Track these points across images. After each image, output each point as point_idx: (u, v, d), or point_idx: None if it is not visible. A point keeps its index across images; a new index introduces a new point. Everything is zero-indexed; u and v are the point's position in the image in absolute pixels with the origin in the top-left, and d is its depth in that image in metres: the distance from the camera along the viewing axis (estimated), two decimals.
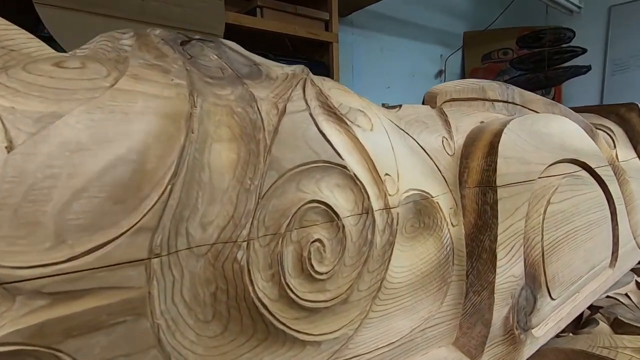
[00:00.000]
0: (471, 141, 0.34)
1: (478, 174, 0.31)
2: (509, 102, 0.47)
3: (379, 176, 0.24)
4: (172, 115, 0.16)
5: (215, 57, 0.20)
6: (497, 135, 0.32)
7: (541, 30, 1.85)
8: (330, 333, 0.20)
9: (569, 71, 1.87)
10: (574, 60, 1.81)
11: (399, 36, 1.83)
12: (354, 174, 0.22)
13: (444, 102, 0.39)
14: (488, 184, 0.30)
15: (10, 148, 0.13)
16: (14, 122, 0.13)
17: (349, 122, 0.23)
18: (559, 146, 0.39)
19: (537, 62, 1.86)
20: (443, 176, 0.31)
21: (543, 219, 0.33)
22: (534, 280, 0.32)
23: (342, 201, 0.21)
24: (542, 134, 0.37)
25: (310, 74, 0.24)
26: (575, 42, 1.78)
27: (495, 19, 1.92)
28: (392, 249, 0.24)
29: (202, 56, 0.19)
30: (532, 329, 0.32)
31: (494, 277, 0.28)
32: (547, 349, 0.41)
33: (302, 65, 0.24)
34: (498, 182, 0.29)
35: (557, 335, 0.44)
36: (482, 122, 0.38)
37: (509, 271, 0.29)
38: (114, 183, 0.14)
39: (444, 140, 0.33)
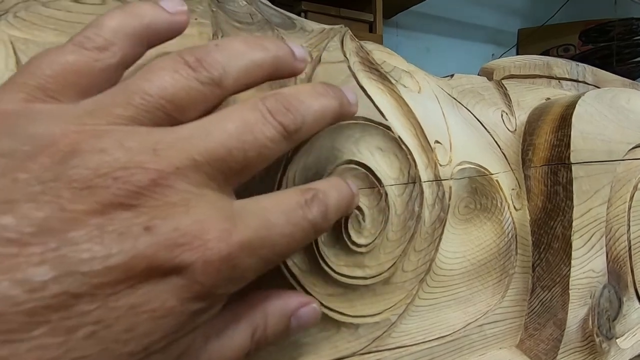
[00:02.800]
0: (536, 117, 0.29)
1: (547, 150, 0.26)
2: (580, 81, 0.41)
3: (428, 143, 0.21)
4: None
5: (245, 3, 0.18)
6: (570, 107, 0.27)
7: (608, 23, 1.69)
8: (369, 316, 0.18)
9: None
10: None
11: (447, 36, 1.75)
12: (399, 136, 0.19)
13: (502, 79, 0.35)
14: (560, 161, 0.25)
15: None
16: (27, 52, 0.13)
17: (393, 81, 0.21)
18: None
19: (604, 57, 1.70)
20: (503, 153, 0.27)
21: (629, 207, 0.28)
22: (619, 280, 0.27)
23: (384, 167, 0.19)
24: (626, 109, 0.31)
25: (350, 31, 0.21)
26: None
27: (554, 13, 1.78)
28: (443, 227, 0.21)
29: (230, 2, 0.18)
30: (617, 338, 0.26)
31: (569, 270, 0.24)
32: None
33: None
34: (572, 159, 0.25)
35: None
36: (548, 98, 0.34)
37: (587, 264, 0.24)
38: None
39: (504, 114, 0.29)
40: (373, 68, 0.20)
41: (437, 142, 0.21)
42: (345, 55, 0.19)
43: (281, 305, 0.13)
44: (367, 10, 1.30)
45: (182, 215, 0.10)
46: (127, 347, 0.09)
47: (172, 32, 0.12)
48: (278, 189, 0.15)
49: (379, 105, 0.19)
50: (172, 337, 0.10)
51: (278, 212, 0.11)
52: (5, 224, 0.08)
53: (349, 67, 0.19)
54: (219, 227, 0.10)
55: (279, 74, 0.13)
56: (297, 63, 0.14)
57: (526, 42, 1.93)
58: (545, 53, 1.92)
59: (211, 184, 0.11)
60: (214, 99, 0.12)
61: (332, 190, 0.14)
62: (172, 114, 0.11)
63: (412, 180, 0.20)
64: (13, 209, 0.08)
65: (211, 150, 0.10)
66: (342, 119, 0.15)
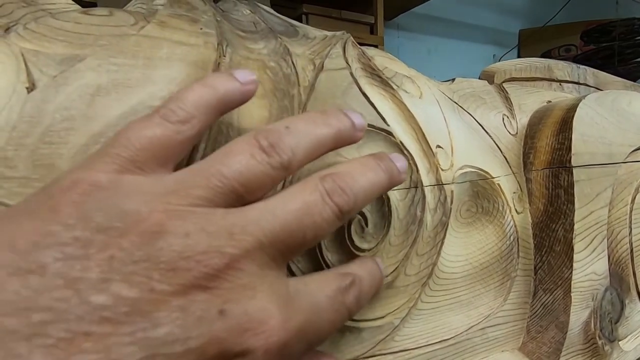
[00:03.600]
0: (537, 120, 0.29)
1: (548, 153, 0.27)
2: (581, 84, 0.41)
3: (430, 148, 0.21)
4: (199, 63, 0.15)
5: (249, 12, 0.18)
6: (571, 110, 0.27)
7: (610, 23, 1.68)
8: (373, 320, 0.18)
9: None
10: None
11: (448, 37, 1.75)
12: (401, 142, 0.19)
13: (503, 82, 0.35)
14: (561, 164, 0.25)
15: (30, 89, 0.12)
16: (37, 64, 0.13)
17: (394, 87, 0.21)
18: None
19: (606, 57, 1.70)
20: (505, 156, 0.27)
21: (631, 210, 0.28)
22: (621, 282, 0.27)
23: None
24: (627, 112, 0.31)
25: (352, 37, 0.22)
26: None
27: (555, 13, 1.77)
28: (445, 231, 0.21)
29: (234, 11, 0.18)
30: (620, 340, 0.26)
31: (571, 273, 0.24)
32: None
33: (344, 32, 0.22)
34: (574, 162, 0.25)
35: None
36: (550, 101, 0.34)
37: (589, 267, 0.24)
38: None
39: (505, 118, 0.29)
40: (375, 74, 0.20)
41: (438, 146, 0.22)
42: (347, 62, 0.19)
43: None
44: (368, 12, 1.31)
45: (250, 300, 0.11)
46: None
47: (243, 100, 0.14)
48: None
49: (381, 111, 0.19)
50: None
51: (323, 296, 0.12)
52: (102, 303, 0.09)
53: (351, 74, 0.19)
54: (279, 314, 0.11)
55: (339, 146, 0.14)
56: (357, 133, 0.15)
57: (527, 43, 1.93)
58: (547, 53, 1.91)
59: (271, 264, 0.12)
60: (280, 180, 0.13)
61: (366, 276, 0.15)
62: (244, 195, 0.12)
63: (414, 185, 0.20)
64: (110, 289, 0.09)
65: (276, 232, 0.11)
66: (389, 189, 0.16)
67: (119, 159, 0.11)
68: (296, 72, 0.17)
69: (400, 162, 0.16)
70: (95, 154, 0.11)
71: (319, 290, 0.13)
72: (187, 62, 0.14)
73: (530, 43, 1.91)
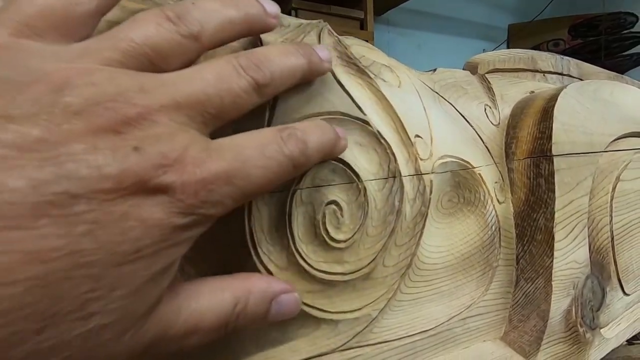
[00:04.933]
0: (519, 110, 0.29)
1: (529, 143, 0.27)
2: (565, 75, 0.41)
3: (408, 137, 0.21)
4: None
5: None
6: (552, 99, 0.27)
7: (597, 17, 1.70)
8: (349, 312, 0.17)
9: (630, 59, 1.71)
10: (636, 47, 1.64)
11: (438, 32, 1.76)
12: (378, 131, 0.19)
13: (486, 73, 0.35)
14: (542, 153, 0.25)
15: None
16: None
17: (372, 75, 0.20)
18: (628, 118, 0.33)
19: (593, 52, 1.71)
20: (486, 147, 0.27)
21: (612, 198, 0.28)
22: (602, 270, 0.27)
23: (363, 162, 0.19)
24: (608, 102, 0.32)
25: (328, 25, 0.21)
26: (638, 28, 1.61)
27: (544, 8, 1.79)
28: (425, 221, 0.21)
29: None
30: (601, 328, 0.27)
31: (552, 261, 0.24)
32: (617, 358, 0.35)
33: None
34: (554, 151, 0.25)
35: (629, 342, 0.38)
36: (533, 91, 0.34)
37: (570, 255, 0.24)
38: None
39: (487, 108, 0.29)
40: (351, 62, 0.20)
41: (417, 136, 0.21)
42: None
43: (264, 287, 0.14)
44: (358, 8, 1.30)
45: (166, 142, 0.11)
46: (121, 247, 0.10)
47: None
48: None
49: (356, 100, 0.19)
50: (159, 245, 0.11)
51: (252, 146, 0.13)
52: (6, 129, 0.09)
53: None
54: (196, 155, 0.11)
55: (252, 31, 0.15)
56: (270, 19, 0.15)
57: (517, 38, 1.94)
58: (536, 48, 1.92)
59: (192, 124, 0.12)
60: (192, 52, 0.13)
61: (313, 129, 0.15)
62: (156, 62, 0.12)
63: (392, 175, 0.19)
64: (14, 121, 0.09)
65: (192, 94, 0.12)
66: (313, 76, 0.16)
67: (12, 23, 0.11)
68: None
69: (322, 52, 0.16)
70: None
71: (249, 141, 0.13)
72: None
73: (520, 38, 1.92)
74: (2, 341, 0.09)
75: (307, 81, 0.16)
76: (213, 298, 0.13)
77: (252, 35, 0.15)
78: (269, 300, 0.14)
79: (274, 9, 0.15)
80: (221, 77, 0.12)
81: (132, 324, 0.11)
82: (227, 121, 0.13)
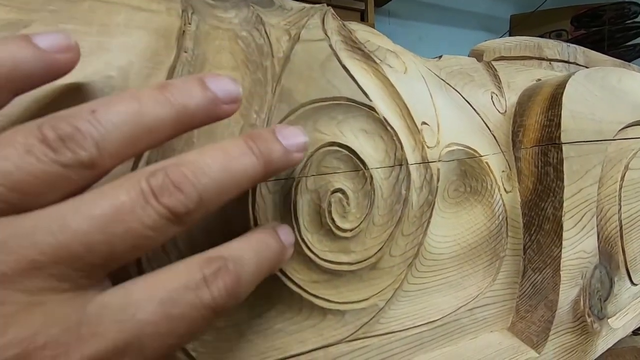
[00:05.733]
0: (527, 98, 0.29)
1: (537, 131, 0.26)
2: (571, 63, 0.40)
3: (415, 125, 0.20)
4: (160, 31, 0.14)
5: None
6: (561, 86, 0.27)
7: (600, 7, 1.68)
8: (356, 302, 0.17)
9: (634, 50, 1.69)
10: None
11: (439, 23, 1.74)
12: (384, 118, 0.19)
13: (492, 60, 0.34)
14: (550, 141, 0.25)
15: None
16: None
17: (377, 61, 0.20)
18: (637, 105, 0.32)
19: (596, 42, 1.69)
20: (493, 135, 0.26)
21: (620, 187, 0.28)
22: (610, 260, 0.27)
23: (369, 149, 0.18)
24: (616, 89, 0.31)
25: (332, 9, 0.21)
26: None
27: None
28: (432, 210, 0.20)
29: None
30: (609, 318, 0.26)
31: (560, 251, 0.23)
32: (624, 349, 0.35)
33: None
34: (563, 139, 0.24)
35: (635, 333, 0.37)
36: (539, 79, 0.33)
37: (578, 245, 0.24)
38: (87, 101, 0.12)
39: (494, 96, 0.28)
40: (356, 47, 0.19)
41: (424, 123, 0.21)
42: (326, 34, 0.18)
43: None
44: None
45: (17, 325, 0.08)
46: None
47: (50, 74, 0.10)
48: None
49: (362, 86, 0.18)
50: None
51: (153, 305, 0.09)
52: None
53: (330, 46, 0.18)
54: (52, 349, 0.08)
55: (190, 128, 0.11)
56: (222, 106, 0.11)
57: (519, 28, 1.92)
58: None
59: (61, 285, 0.09)
60: (86, 181, 0.09)
61: (249, 253, 0.11)
62: (18, 203, 0.09)
63: (399, 163, 0.19)
64: None
65: (61, 247, 0.09)
66: (268, 178, 0.12)
67: None
68: (269, 43, 0.16)
69: (290, 135, 0.12)
70: None
71: (149, 296, 0.09)
72: (147, 30, 0.13)
73: (522, 28, 1.90)
74: None
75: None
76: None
77: (183, 133, 0.11)
78: None
79: (231, 88, 0.11)
80: (115, 212, 0.09)
81: None
82: (127, 262, 0.10)
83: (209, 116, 0.11)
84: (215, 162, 0.10)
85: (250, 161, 0.11)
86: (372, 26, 1.27)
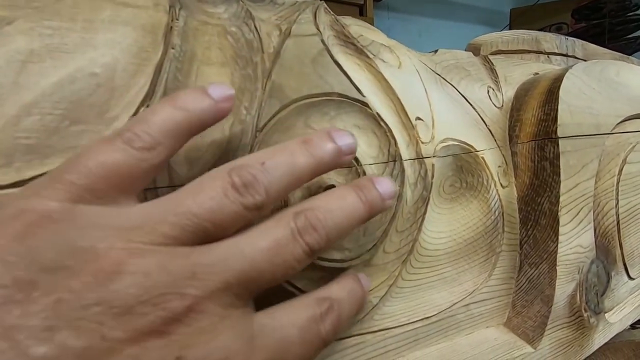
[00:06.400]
0: (524, 92, 0.28)
1: (533, 125, 0.26)
2: (569, 56, 0.40)
3: (409, 120, 0.20)
4: (147, 27, 0.13)
5: None
6: (558, 80, 0.26)
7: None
8: None
9: (635, 42, 1.68)
10: None
11: (438, 18, 1.73)
12: (378, 113, 0.18)
13: (489, 54, 0.34)
14: (546, 136, 0.25)
15: None
16: None
17: (371, 56, 0.20)
18: (635, 98, 0.32)
19: (596, 35, 1.68)
20: (489, 130, 0.26)
21: (618, 181, 0.27)
22: (607, 254, 0.26)
23: (363, 145, 0.18)
24: (615, 82, 0.31)
25: (325, 4, 0.20)
26: None
27: None
28: (426, 206, 0.20)
29: None
30: (605, 312, 0.26)
31: (556, 246, 0.23)
32: (621, 342, 0.35)
33: None
34: (559, 133, 0.24)
35: (633, 327, 0.37)
36: (537, 73, 0.33)
37: (575, 240, 0.24)
38: (72, 100, 0.12)
39: (490, 90, 0.28)
40: (349, 42, 0.19)
41: (418, 118, 0.21)
42: (318, 29, 0.18)
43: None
44: None
45: (209, 344, 0.10)
46: None
47: (217, 120, 0.13)
48: None
49: (355, 81, 0.18)
50: None
51: (293, 329, 0.12)
52: (43, 355, 0.08)
53: (322, 41, 0.18)
54: (242, 355, 0.11)
55: (321, 173, 0.14)
56: (344, 157, 0.14)
57: (519, 22, 1.90)
58: None
59: (237, 302, 0.11)
60: (252, 220, 0.12)
61: (346, 297, 0.14)
62: (213, 234, 0.11)
63: (393, 159, 0.19)
64: (54, 338, 0.08)
65: (244, 272, 0.11)
66: (370, 219, 0.15)
67: (73, 187, 0.10)
68: (259, 38, 0.16)
69: (385, 186, 0.15)
70: (46, 178, 0.10)
71: (289, 322, 0.12)
72: (133, 26, 0.13)
73: (522, 22, 1.88)
74: None
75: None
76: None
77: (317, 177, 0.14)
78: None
79: (350, 143, 0.14)
80: (276, 246, 0.12)
81: None
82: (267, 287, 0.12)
83: (337, 164, 0.14)
84: (337, 209, 0.13)
85: (360, 207, 0.14)
86: (371, 21, 1.27)
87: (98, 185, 0.10)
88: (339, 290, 0.14)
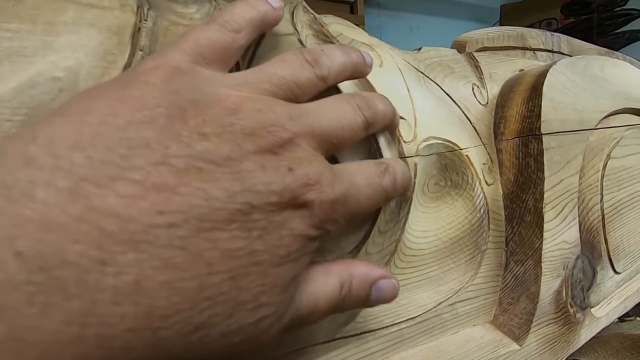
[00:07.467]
0: (508, 88, 0.28)
1: (517, 122, 0.26)
2: (555, 52, 0.40)
3: None
4: (113, 28, 0.13)
5: None
6: (541, 76, 0.26)
7: None
8: None
9: (623, 37, 1.69)
10: (629, 24, 1.63)
11: (429, 14, 1.73)
12: None
13: (475, 51, 0.34)
14: (530, 132, 0.25)
15: None
16: None
17: None
18: (619, 94, 0.32)
19: (585, 30, 1.70)
20: (474, 127, 0.26)
21: (602, 176, 0.27)
22: (593, 249, 0.26)
23: None
24: (599, 78, 0.31)
25: (304, 2, 0.20)
26: (630, 5, 1.60)
27: None
28: (409, 206, 0.20)
29: None
30: (592, 307, 0.26)
31: (541, 243, 0.23)
32: (609, 335, 0.35)
33: None
34: (543, 129, 0.24)
35: (621, 320, 0.38)
36: (522, 69, 0.33)
37: (559, 236, 0.24)
38: (32, 105, 0.11)
39: (475, 87, 0.28)
40: (328, 41, 0.19)
41: (400, 117, 0.20)
42: (295, 28, 0.18)
43: (365, 272, 0.15)
44: None
45: (308, 165, 0.13)
46: (279, 251, 0.12)
47: (275, 22, 0.16)
48: None
49: None
50: (300, 252, 0.12)
51: (362, 177, 0.15)
52: (205, 148, 0.11)
53: (300, 41, 0.17)
54: (329, 178, 0.13)
55: (355, 75, 0.17)
56: (367, 69, 0.18)
57: (509, 18, 1.91)
58: (529, 28, 1.89)
59: (320, 150, 0.14)
60: (318, 89, 0.15)
61: (399, 169, 0.17)
62: (297, 95, 0.14)
63: (374, 158, 0.19)
64: (209, 139, 0.11)
65: (323, 126, 0.14)
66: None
67: (192, 52, 0.13)
68: None
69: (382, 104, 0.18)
70: (168, 47, 0.13)
71: (359, 172, 0.15)
72: (98, 28, 0.13)
73: (512, 18, 1.89)
74: (204, 323, 0.10)
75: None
76: (322, 281, 0.14)
77: (354, 79, 0.18)
78: (370, 285, 0.15)
79: (371, 60, 0.18)
80: (344, 113, 0.15)
81: (281, 315, 0.12)
82: (338, 151, 0.16)
83: (363, 71, 0.18)
84: (379, 100, 0.17)
85: (389, 108, 0.18)
86: (362, 18, 1.27)
87: (208, 54, 0.13)
88: (394, 161, 0.17)
